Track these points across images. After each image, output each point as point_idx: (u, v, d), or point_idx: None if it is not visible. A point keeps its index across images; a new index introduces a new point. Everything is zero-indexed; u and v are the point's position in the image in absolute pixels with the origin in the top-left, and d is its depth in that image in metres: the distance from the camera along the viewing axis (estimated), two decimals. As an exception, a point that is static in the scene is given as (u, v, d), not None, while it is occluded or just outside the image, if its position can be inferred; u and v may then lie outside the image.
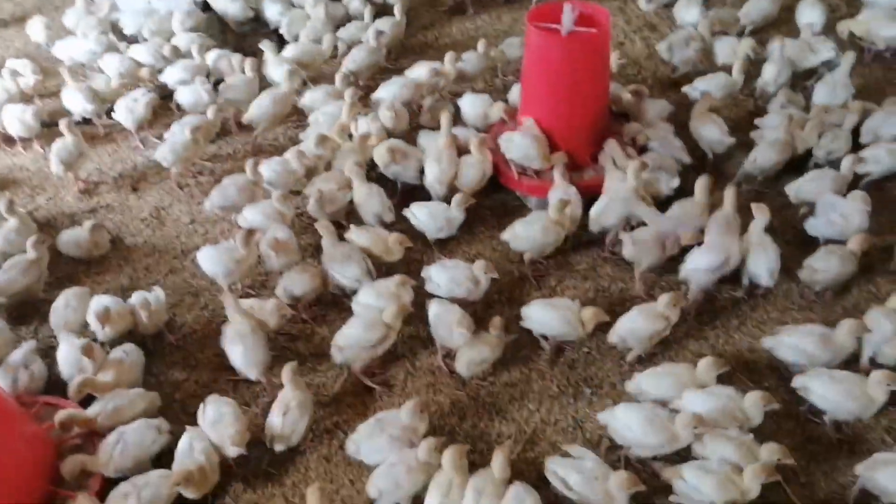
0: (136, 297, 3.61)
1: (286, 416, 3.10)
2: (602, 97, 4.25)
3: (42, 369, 3.45)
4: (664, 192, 4.03)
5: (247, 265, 3.76)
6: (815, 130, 4.25)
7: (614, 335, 3.41)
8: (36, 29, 5.80)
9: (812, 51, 4.95)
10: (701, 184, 3.82)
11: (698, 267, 3.57)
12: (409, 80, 4.81)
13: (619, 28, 5.75)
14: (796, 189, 4.06)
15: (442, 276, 3.62)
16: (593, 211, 3.91)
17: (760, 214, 3.64)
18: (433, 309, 3.45)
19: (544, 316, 3.42)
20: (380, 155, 4.24)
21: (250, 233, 3.76)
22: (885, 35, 5.06)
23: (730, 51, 5.00)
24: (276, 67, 5.05)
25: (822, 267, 3.62)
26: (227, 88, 4.90)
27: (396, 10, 5.51)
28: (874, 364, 3.28)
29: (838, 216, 3.77)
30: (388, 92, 4.75)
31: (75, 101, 4.92)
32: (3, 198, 4.09)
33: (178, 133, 4.53)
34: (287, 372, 3.14)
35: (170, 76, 5.15)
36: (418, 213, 3.99)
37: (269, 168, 4.22)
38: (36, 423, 3.18)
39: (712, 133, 4.31)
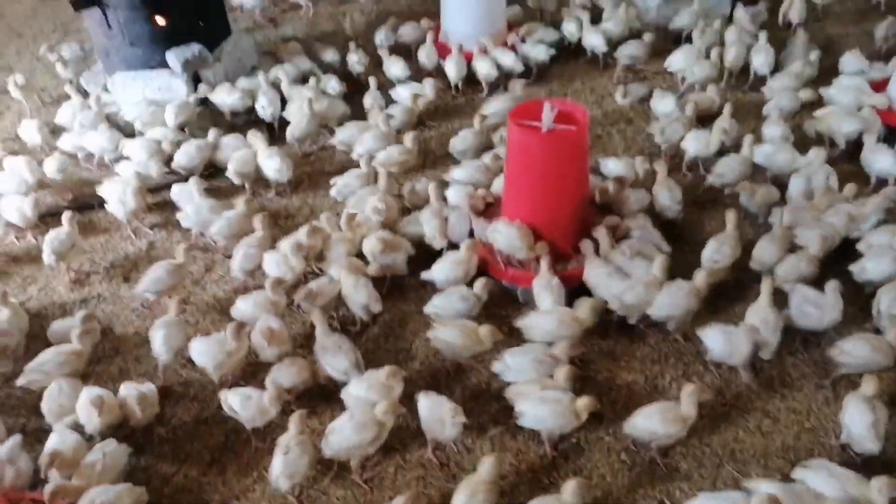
0: (127, 390, 3.63)
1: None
2: (582, 190, 4.42)
3: (28, 464, 3.41)
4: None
5: (238, 357, 3.81)
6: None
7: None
8: (29, 131, 5.93)
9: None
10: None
11: None
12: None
13: (597, 122, 6.01)
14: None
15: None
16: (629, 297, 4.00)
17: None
18: (423, 402, 3.50)
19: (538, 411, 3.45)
20: (370, 246, 4.35)
21: (241, 325, 3.82)
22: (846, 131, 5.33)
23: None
24: (267, 159, 5.24)
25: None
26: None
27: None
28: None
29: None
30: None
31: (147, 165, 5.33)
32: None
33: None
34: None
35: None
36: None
37: (269, 261, 4.38)
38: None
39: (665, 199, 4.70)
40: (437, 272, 4.25)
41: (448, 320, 3.95)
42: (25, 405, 3.89)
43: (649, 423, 3.38)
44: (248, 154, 5.36)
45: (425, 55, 6.61)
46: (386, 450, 3.55)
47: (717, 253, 4.24)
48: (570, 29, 6.88)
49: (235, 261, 4.46)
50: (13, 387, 3.87)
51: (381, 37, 6.93)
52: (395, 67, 6.47)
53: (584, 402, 3.40)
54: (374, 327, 4.26)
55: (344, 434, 3.34)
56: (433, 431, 3.46)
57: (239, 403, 3.54)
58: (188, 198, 5.02)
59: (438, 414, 3.40)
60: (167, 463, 3.62)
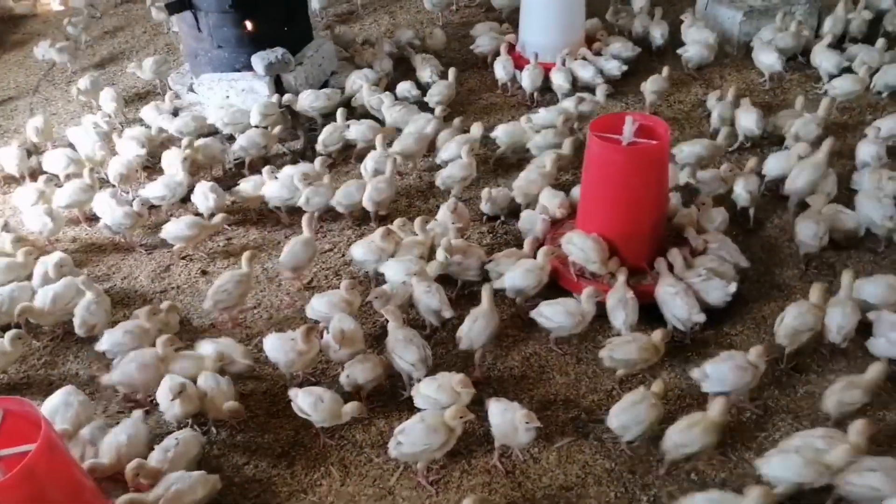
0: (206, 380, 3.73)
1: None
2: (660, 206, 4.37)
3: (102, 435, 3.53)
4: (715, 303, 4.09)
5: (308, 358, 3.87)
6: None
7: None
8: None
9: None
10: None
11: None
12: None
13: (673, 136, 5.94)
14: None
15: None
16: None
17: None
18: (494, 407, 3.50)
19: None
20: (442, 252, 4.39)
21: (310, 329, 3.87)
22: None
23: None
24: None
25: None
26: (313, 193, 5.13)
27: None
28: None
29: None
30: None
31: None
32: (83, 275, 4.38)
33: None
34: None
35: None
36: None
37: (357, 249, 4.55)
38: (104, 500, 3.27)
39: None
40: (510, 279, 4.25)
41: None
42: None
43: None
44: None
45: (501, 67, 6.64)
46: (452, 454, 3.55)
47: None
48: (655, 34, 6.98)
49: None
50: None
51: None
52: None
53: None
54: (444, 332, 4.28)
55: (414, 436, 3.36)
56: (504, 437, 3.46)
57: (310, 405, 3.60)
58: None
59: (511, 419, 3.40)
60: (238, 453, 3.71)
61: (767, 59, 6.38)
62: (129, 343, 3.97)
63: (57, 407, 3.62)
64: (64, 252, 4.81)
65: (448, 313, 4.11)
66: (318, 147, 5.78)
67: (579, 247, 4.24)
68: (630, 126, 4.15)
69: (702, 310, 3.97)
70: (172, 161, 5.49)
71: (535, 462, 3.56)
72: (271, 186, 5.17)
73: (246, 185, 5.31)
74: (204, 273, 4.90)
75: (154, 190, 5.28)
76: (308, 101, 6.09)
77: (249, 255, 4.39)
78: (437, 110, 5.91)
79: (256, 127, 5.88)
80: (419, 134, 5.63)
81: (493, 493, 3.44)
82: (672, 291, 4.03)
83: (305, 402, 3.60)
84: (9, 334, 4.02)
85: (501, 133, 5.67)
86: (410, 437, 3.36)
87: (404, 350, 3.78)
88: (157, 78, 7.02)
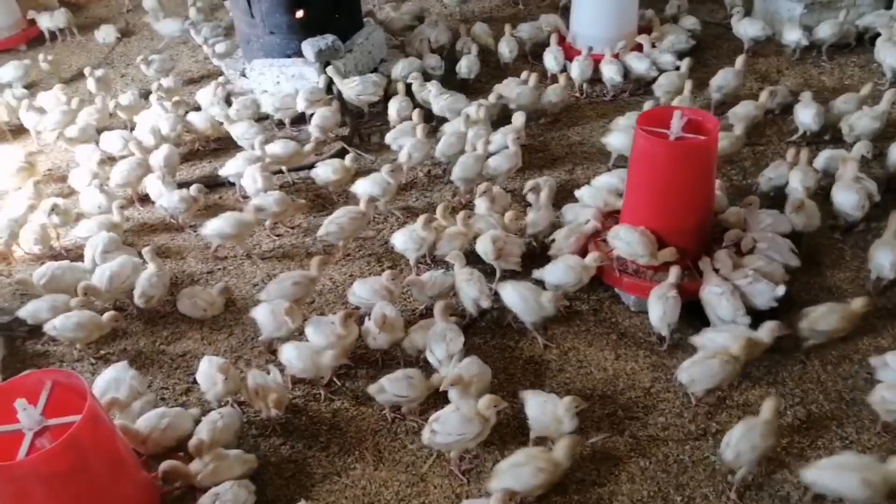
0: (254, 378, 3.73)
1: None
2: (707, 203, 4.27)
3: (147, 411, 3.63)
4: (762, 306, 3.99)
5: (347, 342, 3.91)
6: None
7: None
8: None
9: None
10: None
11: None
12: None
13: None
14: None
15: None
16: None
17: None
18: (533, 400, 3.49)
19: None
20: (483, 244, 4.38)
21: (349, 315, 3.91)
22: None
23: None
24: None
25: None
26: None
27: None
28: None
29: None
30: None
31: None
32: (150, 245, 4.60)
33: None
34: None
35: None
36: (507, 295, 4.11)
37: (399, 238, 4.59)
38: (146, 471, 3.37)
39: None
40: (550, 273, 4.22)
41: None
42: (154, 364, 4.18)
43: None
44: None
45: (552, 57, 6.58)
46: (485, 443, 3.55)
47: None
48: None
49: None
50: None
51: (504, 47, 6.85)
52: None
53: None
54: (482, 322, 4.29)
55: (449, 425, 3.36)
56: (544, 430, 3.44)
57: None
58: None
59: (552, 411, 3.38)
60: (276, 434, 3.78)
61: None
62: None
63: (109, 382, 3.73)
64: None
65: (487, 303, 4.11)
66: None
67: (626, 241, 4.18)
68: (678, 120, 4.07)
69: (747, 312, 3.89)
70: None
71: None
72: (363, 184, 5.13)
73: (325, 170, 5.31)
74: (248, 256, 4.99)
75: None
76: (354, 89, 6.12)
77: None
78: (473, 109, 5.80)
79: (303, 113, 5.96)
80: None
81: (525, 485, 3.44)
82: (718, 292, 3.95)
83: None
84: (107, 315, 4.18)
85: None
86: (445, 427, 3.38)
87: (436, 344, 3.81)
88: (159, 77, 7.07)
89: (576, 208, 4.74)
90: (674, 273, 4.03)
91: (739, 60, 5.94)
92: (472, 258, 4.38)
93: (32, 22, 8.40)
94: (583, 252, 4.38)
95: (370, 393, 3.66)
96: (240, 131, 5.81)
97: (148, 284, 4.36)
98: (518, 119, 5.61)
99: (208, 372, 3.73)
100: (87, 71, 6.88)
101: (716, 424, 3.63)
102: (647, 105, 5.69)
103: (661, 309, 3.92)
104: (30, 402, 2.82)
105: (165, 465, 3.30)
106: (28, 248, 5.05)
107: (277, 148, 5.55)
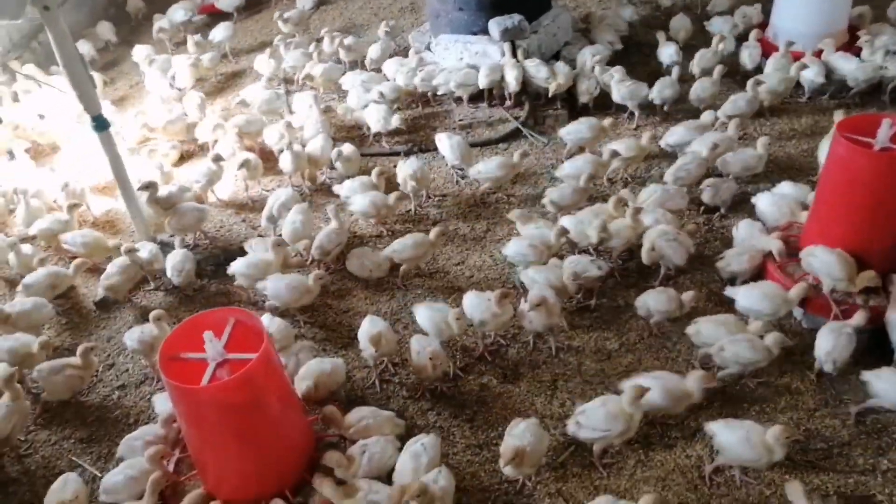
0: (418, 341, 3.87)
1: None
2: (909, 221, 3.92)
3: (308, 358, 3.89)
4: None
5: (501, 321, 3.95)
6: None
7: None
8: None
9: None
10: None
11: None
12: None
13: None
14: None
15: None
16: None
17: None
18: (726, 429, 3.33)
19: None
20: (649, 241, 4.30)
21: (505, 294, 3.94)
22: None
23: None
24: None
25: None
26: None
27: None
28: None
29: None
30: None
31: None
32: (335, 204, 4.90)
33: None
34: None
35: None
36: None
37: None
38: (305, 414, 3.62)
39: None
40: (744, 298, 3.96)
41: None
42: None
43: None
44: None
45: (747, 53, 6.21)
46: (629, 440, 3.49)
47: None
48: None
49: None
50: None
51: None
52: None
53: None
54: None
55: (595, 420, 3.35)
56: (737, 459, 3.28)
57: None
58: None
59: (760, 441, 3.21)
60: (425, 399, 3.91)
61: None
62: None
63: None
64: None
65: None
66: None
67: (822, 260, 3.88)
68: (887, 129, 3.74)
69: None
70: None
71: (720, 472, 3.40)
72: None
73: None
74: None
75: None
76: (534, 71, 6.12)
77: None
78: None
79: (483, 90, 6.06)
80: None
81: (667, 489, 3.35)
82: None
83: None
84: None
85: None
86: (591, 421, 3.36)
87: None
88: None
89: (752, 226, 4.46)
90: (860, 316, 3.72)
91: None
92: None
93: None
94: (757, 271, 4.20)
95: None
96: None
97: (327, 239, 4.66)
98: (706, 117, 5.43)
99: (370, 331, 3.91)
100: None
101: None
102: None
103: (831, 343, 3.63)
104: (215, 335, 3.09)
105: (328, 409, 3.52)
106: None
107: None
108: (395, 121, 5.86)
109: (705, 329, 3.81)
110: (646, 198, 4.73)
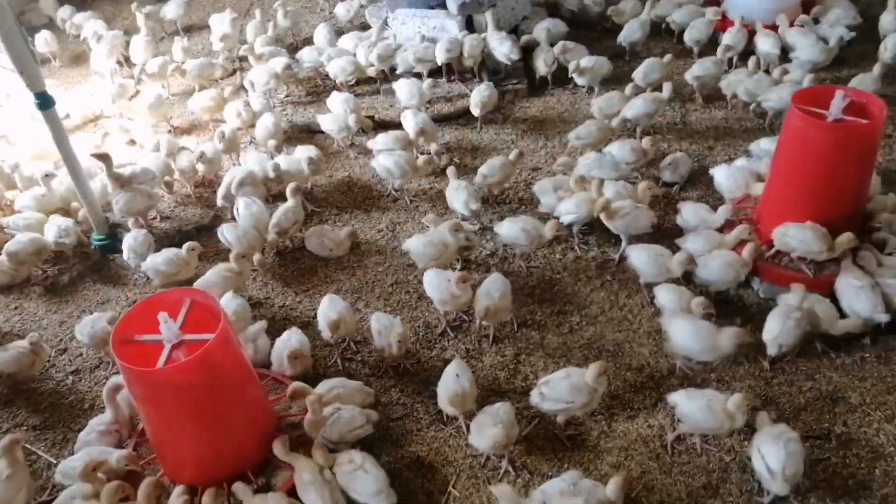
0: (378, 319, 3.85)
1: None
2: (861, 194, 3.99)
3: (266, 345, 3.87)
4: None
5: (460, 302, 3.96)
6: None
7: None
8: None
9: None
10: None
11: None
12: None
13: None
14: None
15: None
16: None
17: None
18: (683, 398, 3.36)
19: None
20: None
21: (464, 278, 3.94)
22: None
23: None
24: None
25: None
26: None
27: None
28: None
29: None
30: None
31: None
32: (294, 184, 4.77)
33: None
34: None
35: None
36: None
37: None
38: (266, 393, 3.56)
39: None
40: (707, 272, 3.97)
41: None
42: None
43: None
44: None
45: (696, 30, 6.23)
46: (593, 412, 3.53)
47: None
48: None
49: None
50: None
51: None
52: None
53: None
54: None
55: (558, 392, 3.36)
56: (697, 427, 3.32)
57: None
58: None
59: (720, 409, 3.23)
60: (388, 375, 3.90)
61: None
62: None
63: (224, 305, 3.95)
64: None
65: None
66: None
67: (795, 237, 3.91)
68: (839, 101, 3.79)
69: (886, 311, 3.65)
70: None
71: (681, 441, 3.45)
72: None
73: None
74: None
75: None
76: (497, 44, 6.08)
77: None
78: None
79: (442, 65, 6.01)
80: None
81: (629, 458, 3.39)
82: (857, 285, 3.71)
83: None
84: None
85: None
86: (554, 392, 3.37)
87: None
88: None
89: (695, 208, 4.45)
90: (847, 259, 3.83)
91: None
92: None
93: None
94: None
95: None
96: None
97: (284, 217, 4.58)
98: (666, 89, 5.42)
99: (328, 316, 3.87)
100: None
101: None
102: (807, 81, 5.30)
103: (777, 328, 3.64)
104: (171, 316, 3.01)
105: (295, 385, 3.47)
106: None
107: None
108: (352, 120, 5.58)
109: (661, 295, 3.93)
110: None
